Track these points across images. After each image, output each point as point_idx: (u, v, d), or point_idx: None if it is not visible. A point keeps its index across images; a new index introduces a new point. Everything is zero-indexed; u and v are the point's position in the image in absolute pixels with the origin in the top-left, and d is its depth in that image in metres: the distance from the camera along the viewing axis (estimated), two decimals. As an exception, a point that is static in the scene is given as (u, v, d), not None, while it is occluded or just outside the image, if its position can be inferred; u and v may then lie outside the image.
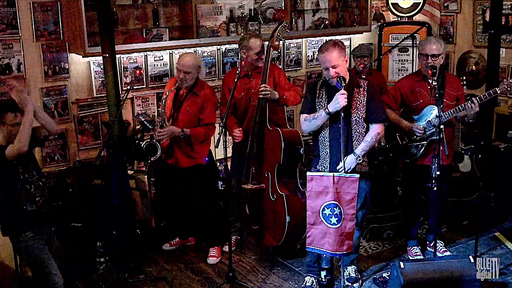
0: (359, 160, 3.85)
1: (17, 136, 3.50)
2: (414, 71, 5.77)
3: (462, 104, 4.19)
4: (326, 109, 3.78)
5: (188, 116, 4.52)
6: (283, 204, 4.33)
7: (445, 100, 4.29)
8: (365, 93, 3.88)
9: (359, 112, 3.87)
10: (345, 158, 3.76)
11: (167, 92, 4.53)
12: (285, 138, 4.34)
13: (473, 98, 4.15)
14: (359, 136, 3.89)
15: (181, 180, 4.64)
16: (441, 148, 3.88)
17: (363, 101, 3.87)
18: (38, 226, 3.72)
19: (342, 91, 3.69)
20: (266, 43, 4.61)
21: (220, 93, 4.87)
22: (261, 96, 4.38)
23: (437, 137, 3.86)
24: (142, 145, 4.57)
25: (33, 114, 3.54)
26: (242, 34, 5.35)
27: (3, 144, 3.56)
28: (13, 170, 3.60)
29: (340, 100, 3.67)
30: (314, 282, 4.22)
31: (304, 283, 4.26)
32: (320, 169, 3.96)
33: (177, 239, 5.01)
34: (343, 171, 3.67)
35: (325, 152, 3.94)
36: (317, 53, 4.03)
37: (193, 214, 4.76)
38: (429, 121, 4.31)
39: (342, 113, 3.68)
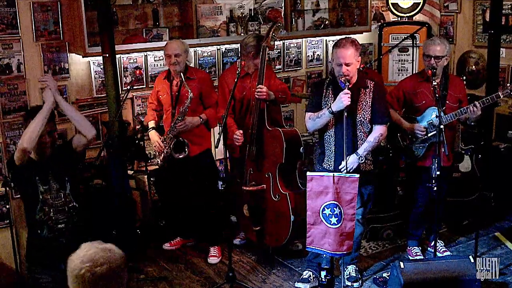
0: (361, 160, 3.86)
1: (79, 128, 3.36)
2: (414, 71, 5.78)
3: (465, 108, 4.19)
4: (330, 108, 3.81)
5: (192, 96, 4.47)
6: (287, 204, 4.33)
7: (447, 102, 4.29)
8: (371, 93, 3.90)
9: (364, 113, 3.88)
10: (347, 158, 3.77)
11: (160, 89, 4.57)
12: (286, 138, 4.35)
13: (475, 102, 4.15)
14: (363, 136, 3.91)
15: (189, 169, 4.62)
16: (442, 149, 3.89)
17: (369, 102, 3.89)
18: (51, 261, 3.22)
19: (346, 90, 3.70)
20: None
21: (218, 92, 4.87)
22: (256, 96, 4.39)
23: (437, 138, 3.87)
24: (171, 145, 4.50)
25: (56, 105, 3.35)
26: (242, 34, 5.36)
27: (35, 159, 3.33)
28: (32, 186, 3.27)
29: (343, 99, 3.69)
30: (311, 276, 4.23)
31: (301, 276, 4.29)
32: (326, 167, 3.98)
33: (178, 238, 5.01)
34: (345, 171, 3.68)
35: (330, 151, 3.98)
36: (332, 48, 4.02)
37: (194, 213, 4.76)
38: (431, 122, 4.30)
39: (346, 113, 3.69)
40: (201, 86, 4.54)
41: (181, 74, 4.43)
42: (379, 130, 3.91)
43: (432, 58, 4.22)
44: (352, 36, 6.17)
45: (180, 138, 4.49)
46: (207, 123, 4.62)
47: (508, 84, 4.32)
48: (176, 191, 4.75)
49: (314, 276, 4.22)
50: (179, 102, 4.51)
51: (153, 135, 4.65)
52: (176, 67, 4.46)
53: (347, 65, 3.78)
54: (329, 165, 3.99)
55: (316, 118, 3.92)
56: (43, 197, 3.29)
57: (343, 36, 4.06)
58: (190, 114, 4.49)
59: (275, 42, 4.57)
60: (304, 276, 4.26)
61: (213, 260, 4.72)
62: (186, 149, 4.50)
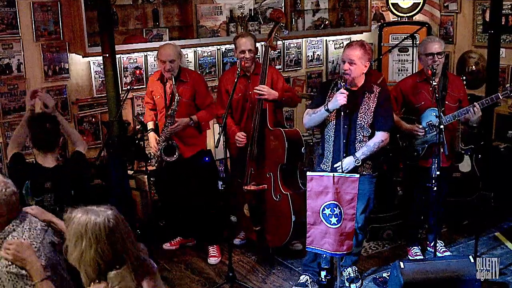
0: (358, 162, 3.86)
1: (75, 140, 3.56)
2: (414, 71, 5.78)
3: (464, 109, 4.19)
4: (326, 106, 3.82)
5: (183, 105, 4.47)
6: (288, 204, 4.33)
7: (446, 102, 4.27)
8: (376, 99, 3.89)
9: (365, 117, 3.88)
10: (343, 159, 3.77)
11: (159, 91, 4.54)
12: (288, 138, 4.35)
13: (475, 103, 4.15)
14: (363, 139, 3.90)
15: (187, 171, 4.61)
16: (441, 149, 3.88)
17: (372, 107, 3.88)
18: None
19: (342, 90, 3.72)
20: (263, 43, 4.63)
21: (217, 93, 4.87)
22: (257, 96, 4.39)
23: (437, 138, 3.86)
24: (160, 149, 4.49)
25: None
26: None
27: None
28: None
29: (338, 98, 3.70)
30: (309, 280, 4.22)
31: (298, 280, 4.27)
32: (323, 168, 3.99)
33: (178, 238, 5.01)
34: (339, 170, 3.68)
35: (329, 152, 3.98)
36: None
37: (192, 213, 4.75)
38: (430, 122, 4.29)
39: (342, 113, 3.70)
40: (194, 88, 4.53)
41: (173, 80, 4.41)
42: (380, 137, 3.90)
43: (435, 55, 4.22)
44: (352, 36, 6.24)
45: (170, 142, 4.47)
46: (199, 125, 4.58)
47: (507, 85, 4.32)
48: (174, 191, 4.75)
49: (311, 280, 4.21)
50: (172, 105, 4.49)
51: (152, 137, 4.66)
52: (171, 73, 4.43)
53: (350, 63, 3.79)
54: (326, 165, 3.99)
55: (313, 114, 3.95)
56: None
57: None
58: (187, 117, 4.49)
59: (277, 42, 4.58)
60: (301, 281, 4.24)
61: (213, 260, 4.71)
62: (176, 153, 4.47)
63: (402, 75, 5.88)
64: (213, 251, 4.77)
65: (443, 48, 4.28)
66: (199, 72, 5.24)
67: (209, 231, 4.81)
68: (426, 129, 4.31)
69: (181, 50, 4.59)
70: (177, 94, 4.35)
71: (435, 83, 3.98)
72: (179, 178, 4.66)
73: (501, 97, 4.21)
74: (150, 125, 4.72)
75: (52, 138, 3.38)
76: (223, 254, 4.75)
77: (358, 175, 3.52)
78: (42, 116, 3.47)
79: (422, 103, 4.35)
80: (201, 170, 4.66)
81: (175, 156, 4.48)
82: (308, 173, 3.58)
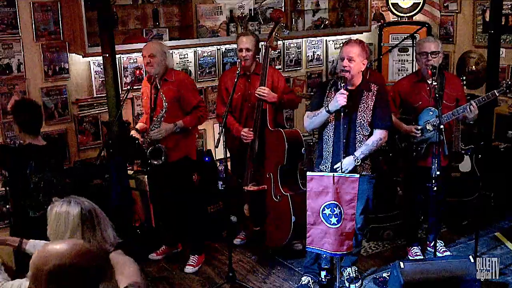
0: (357, 162, 3.85)
1: None
2: (413, 71, 5.77)
3: (461, 107, 4.19)
4: (327, 107, 3.81)
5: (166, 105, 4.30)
6: (288, 205, 4.33)
7: (444, 101, 4.28)
8: (374, 97, 3.89)
9: (364, 116, 3.87)
10: (343, 159, 3.77)
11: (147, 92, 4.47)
12: (288, 139, 4.34)
13: (471, 101, 4.15)
14: (362, 139, 3.90)
15: (169, 175, 4.48)
16: (441, 149, 3.88)
17: (370, 105, 3.88)
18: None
19: (342, 90, 3.71)
20: (263, 43, 4.63)
21: (217, 92, 4.86)
22: (257, 96, 4.39)
23: (437, 138, 3.86)
24: (147, 152, 4.40)
25: None
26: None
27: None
28: (22, 168, 3.50)
29: (339, 99, 3.69)
30: (310, 281, 4.22)
31: (300, 282, 4.27)
32: (322, 169, 3.97)
33: (163, 247, 4.85)
34: (340, 171, 3.68)
35: (328, 152, 3.96)
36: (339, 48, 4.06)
37: (182, 217, 4.63)
38: (428, 122, 4.30)
39: (342, 113, 3.69)
40: (179, 89, 4.33)
41: (157, 80, 4.31)
42: (378, 135, 3.90)
43: (429, 54, 4.22)
44: (352, 36, 6.23)
45: (157, 145, 4.32)
46: (186, 131, 4.39)
47: (503, 81, 4.32)
48: (162, 194, 4.64)
49: (313, 281, 4.20)
50: (156, 107, 4.37)
51: (133, 132, 4.53)
52: (150, 69, 4.32)
53: (349, 59, 3.79)
54: (326, 166, 3.97)
55: (313, 117, 3.93)
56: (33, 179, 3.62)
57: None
58: (170, 119, 4.31)
59: (278, 42, 4.57)
60: (304, 282, 4.22)
61: (188, 268, 4.56)
62: (163, 157, 4.32)
63: (402, 75, 5.88)
64: (193, 259, 4.62)
65: (440, 48, 4.28)
66: (188, 74, 5.08)
67: (192, 237, 4.71)
68: (423, 128, 4.31)
69: (169, 50, 4.42)
70: (164, 100, 4.19)
71: (435, 83, 3.98)
72: (161, 182, 4.55)
73: (497, 94, 4.20)
74: (138, 125, 4.60)
75: (41, 121, 3.90)
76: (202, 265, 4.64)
77: (358, 175, 3.52)
78: (28, 103, 3.84)
79: (420, 103, 4.35)
80: (178, 177, 4.48)
81: (160, 160, 4.34)
82: (308, 173, 3.58)
